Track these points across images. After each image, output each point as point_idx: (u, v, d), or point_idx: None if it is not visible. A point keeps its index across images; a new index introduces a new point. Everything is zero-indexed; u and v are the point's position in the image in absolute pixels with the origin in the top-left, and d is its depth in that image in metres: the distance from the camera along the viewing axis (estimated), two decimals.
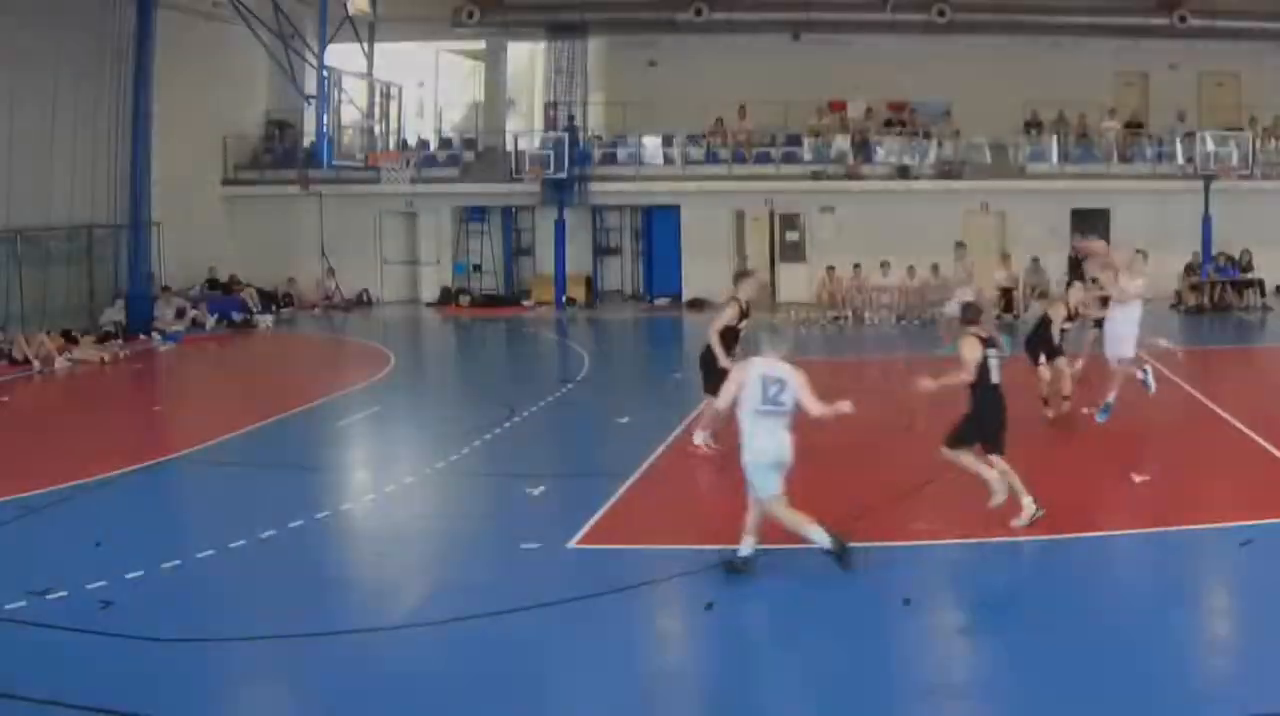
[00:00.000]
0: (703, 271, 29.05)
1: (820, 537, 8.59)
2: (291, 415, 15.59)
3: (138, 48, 24.39)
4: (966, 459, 9.77)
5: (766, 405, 8.48)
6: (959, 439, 9.75)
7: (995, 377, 9.59)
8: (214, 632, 7.90)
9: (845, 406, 8.61)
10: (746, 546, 8.75)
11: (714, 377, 11.39)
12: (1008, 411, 9.76)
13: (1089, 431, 13.80)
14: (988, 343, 9.63)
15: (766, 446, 8.56)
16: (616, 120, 30.92)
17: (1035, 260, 26.34)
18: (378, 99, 20.31)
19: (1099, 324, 14.08)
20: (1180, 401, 15.69)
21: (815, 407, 8.49)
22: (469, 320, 28.27)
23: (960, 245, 21.21)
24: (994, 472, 9.68)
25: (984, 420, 9.65)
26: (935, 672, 7.32)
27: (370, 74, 20.44)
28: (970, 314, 9.96)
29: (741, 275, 12.91)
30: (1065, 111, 29.25)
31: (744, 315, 12.15)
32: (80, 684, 6.97)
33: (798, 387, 8.46)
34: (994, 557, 9.45)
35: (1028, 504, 9.57)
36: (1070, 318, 14.02)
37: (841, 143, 29.14)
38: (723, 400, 8.83)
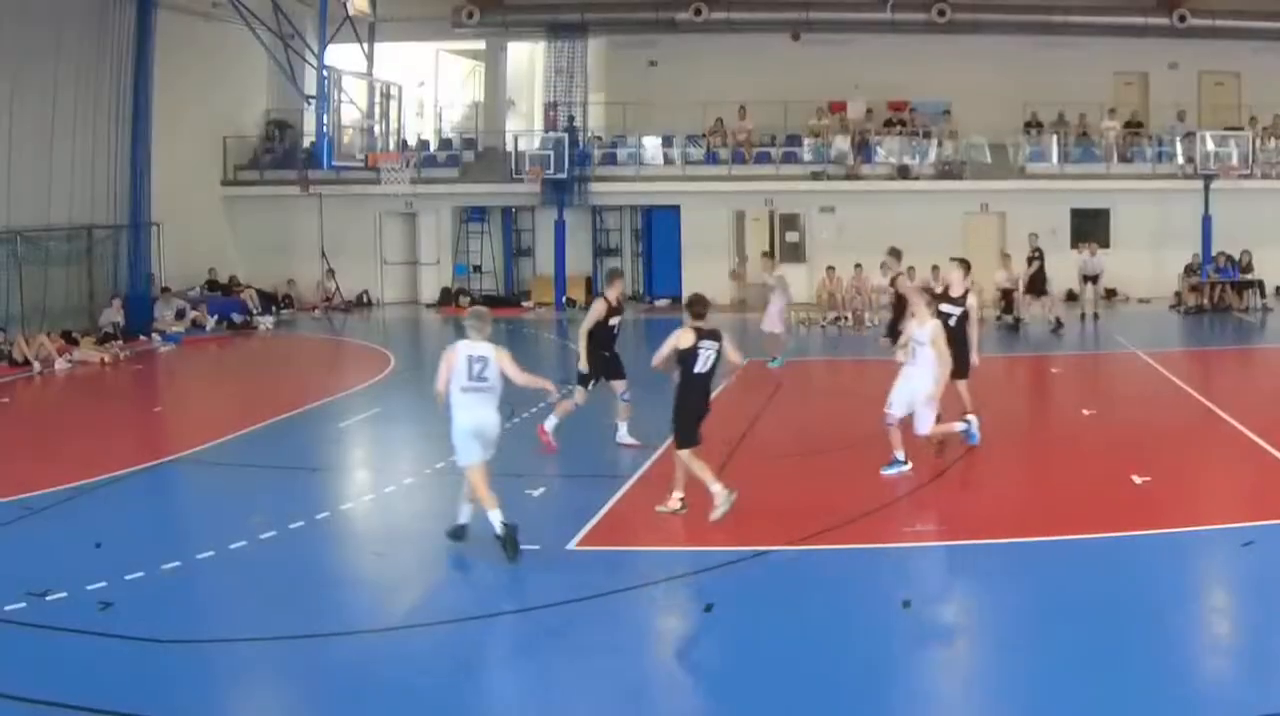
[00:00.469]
0: (703, 272, 29.03)
1: (495, 520, 9.22)
2: (291, 416, 15.59)
3: (138, 48, 24.39)
4: (696, 466, 10.20)
5: (471, 381, 9.33)
6: (682, 438, 10.26)
7: (700, 367, 10.19)
8: (214, 632, 7.90)
9: (547, 384, 9.98)
10: (464, 515, 9.67)
11: (597, 371, 12.87)
12: (708, 404, 10.45)
13: (1089, 432, 13.82)
14: (705, 334, 10.17)
15: (465, 419, 9.35)
16: (616, 120, 30.90)
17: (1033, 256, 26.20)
18: (378, 99, 20.28)
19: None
20: (1180, 402, 15.70)
21: (518, 377, 9.46)
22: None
23: (893, 253, 19.38)
24: (716, 487, 10.08)
25: (683, 408, 10.25)
26: (935, 674, 7.32)
27: (370, 74, 20.41)
28: (697, 308, 10.37)
29: (613, 275, 13.71)
30: (1065, 111, 29.25)
31: (613, 312, 13.00)
32: (80, 684, 6.97)
33: (500, 363, 9.37)
34: (994, 559, 9.46)
35: (718, 491, 10.05)
36: None
37: (841, 143, 29.11)
38: (439, 382, 9.41)
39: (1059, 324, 23.68)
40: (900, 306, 15.07)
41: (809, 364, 20.15)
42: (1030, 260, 24.83)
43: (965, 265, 13.05)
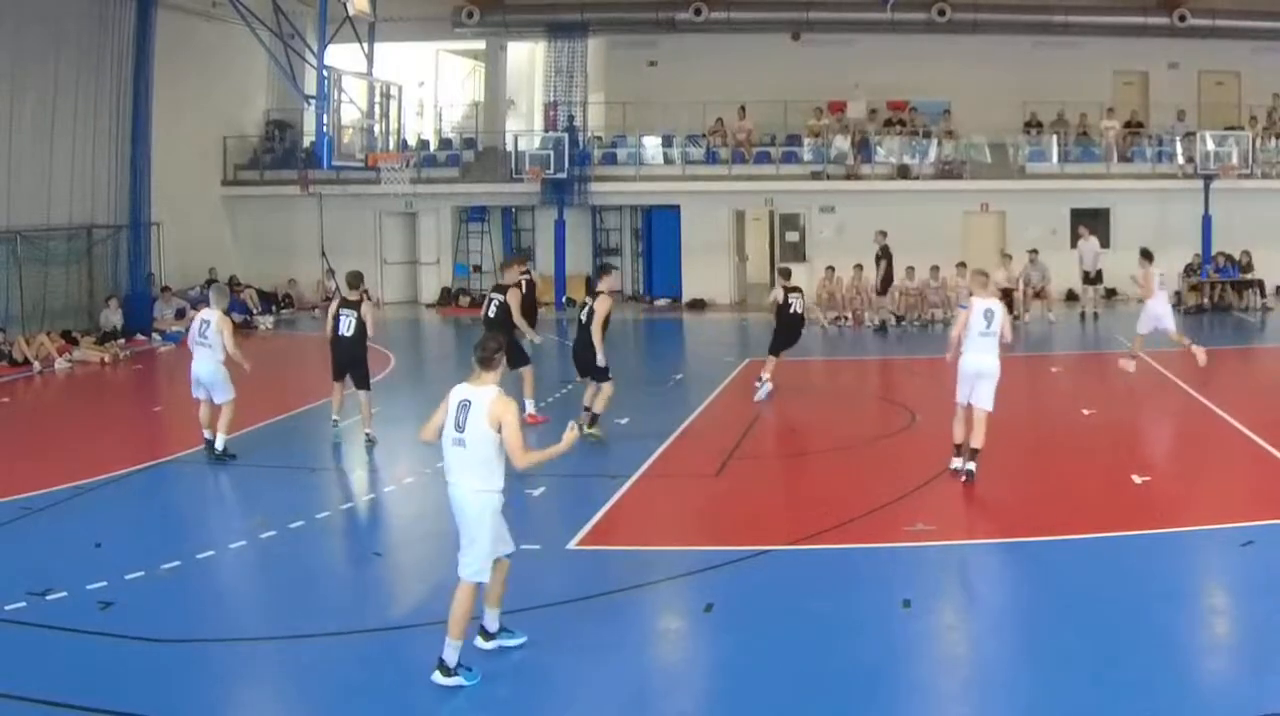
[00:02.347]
0: (703, 272, 29.06)
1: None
2: (292, 416, 15.61)
3: (138, 48, 24.37)
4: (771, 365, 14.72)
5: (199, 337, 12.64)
6: (773, 349, 15.29)
7: (793, 310, 15.42)
8: (214, 632, 7.90)
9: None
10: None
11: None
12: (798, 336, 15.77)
13: (1089, 432, 13.81)
14: (791, 290, 15.47)
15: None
16: (616, 120, 30.91)
17: (1033, 254, 26.21)
18: (378, 99, 20.22)
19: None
20: (1180, 401, 15.71)
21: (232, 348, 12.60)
22: (469, 321, 28.20)
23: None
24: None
25: (779, 336, 15.52)
26: (935, 674, 7.32)
27: (370, 74, 20.37)
28: (785, 271, 16.35)
29: (609, 268, 14.61)
30: (1065, 111, 29.25)
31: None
32: (80, 684, 6.98)
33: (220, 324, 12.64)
34: (994, 558, 9.47)
35: (765, 379, 14.42)
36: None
37: (841, 143, 29.12)
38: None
39: (895, 323, 24.08)
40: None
41: (809, 364, 20.13)
42: (878, 260, 24.93)
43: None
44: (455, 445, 7.04)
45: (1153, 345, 17.62)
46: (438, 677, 6.96)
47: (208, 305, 12.91)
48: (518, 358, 13.83)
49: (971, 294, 11.83)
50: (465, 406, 7.01)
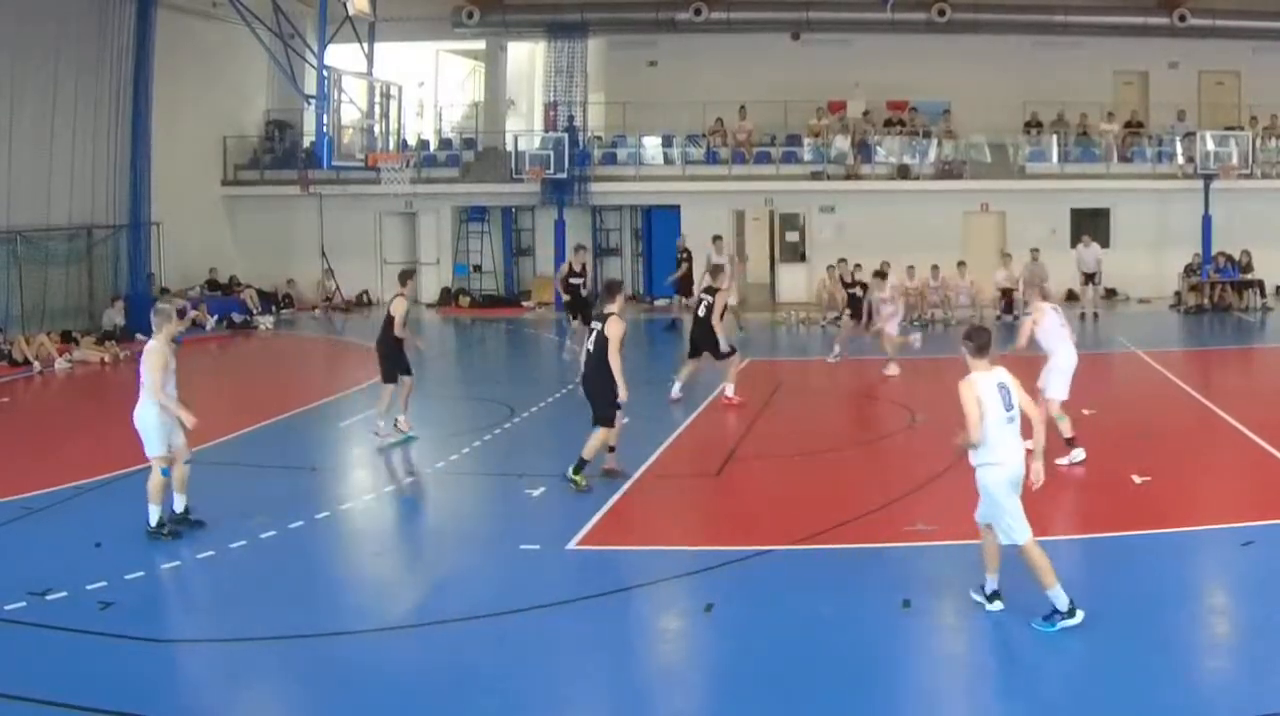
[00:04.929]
0: (703, 272, 29.02)
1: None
2: (292, 416, 15.61)
3: (138, 48, 24.39)
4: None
5: None
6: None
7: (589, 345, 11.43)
8: (214, 632, 7.91)
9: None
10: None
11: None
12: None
13: (1089, 432, 13.81)
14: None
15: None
16: (616, 120, 30.91)
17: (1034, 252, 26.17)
18: (378, 99, 20.23)
19: None
20: (1180, 401, 15.70)
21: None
22: (469, 321, 28.26)
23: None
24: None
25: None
26: (935, 674, 7.32)
27: (370, 74, 20.38)
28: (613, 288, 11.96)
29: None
30: (1065, 111, 29.24)
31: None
32: (80, 684, 6.97)
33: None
34: None
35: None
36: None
37: (841, 143, 29.12)
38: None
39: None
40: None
41: (809, 364, 20.14)
42: (679, 262, 24.99)
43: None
44: (1010, 422, 7.63)
45: (1154, 345, 17.50)
46: None
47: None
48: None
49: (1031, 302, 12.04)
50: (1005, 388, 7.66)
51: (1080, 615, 7.49)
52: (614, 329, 11.14)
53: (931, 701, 6.90)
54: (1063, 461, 11.74)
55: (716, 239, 24.61)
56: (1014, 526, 7.66)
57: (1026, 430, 7.90)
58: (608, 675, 7.32)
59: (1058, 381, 11.95)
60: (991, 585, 7.93)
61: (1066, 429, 11.87)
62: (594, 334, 11.39)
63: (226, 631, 7.92)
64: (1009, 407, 7.65)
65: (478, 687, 7.03)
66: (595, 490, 11.18)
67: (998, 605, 7.87)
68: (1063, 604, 7.51)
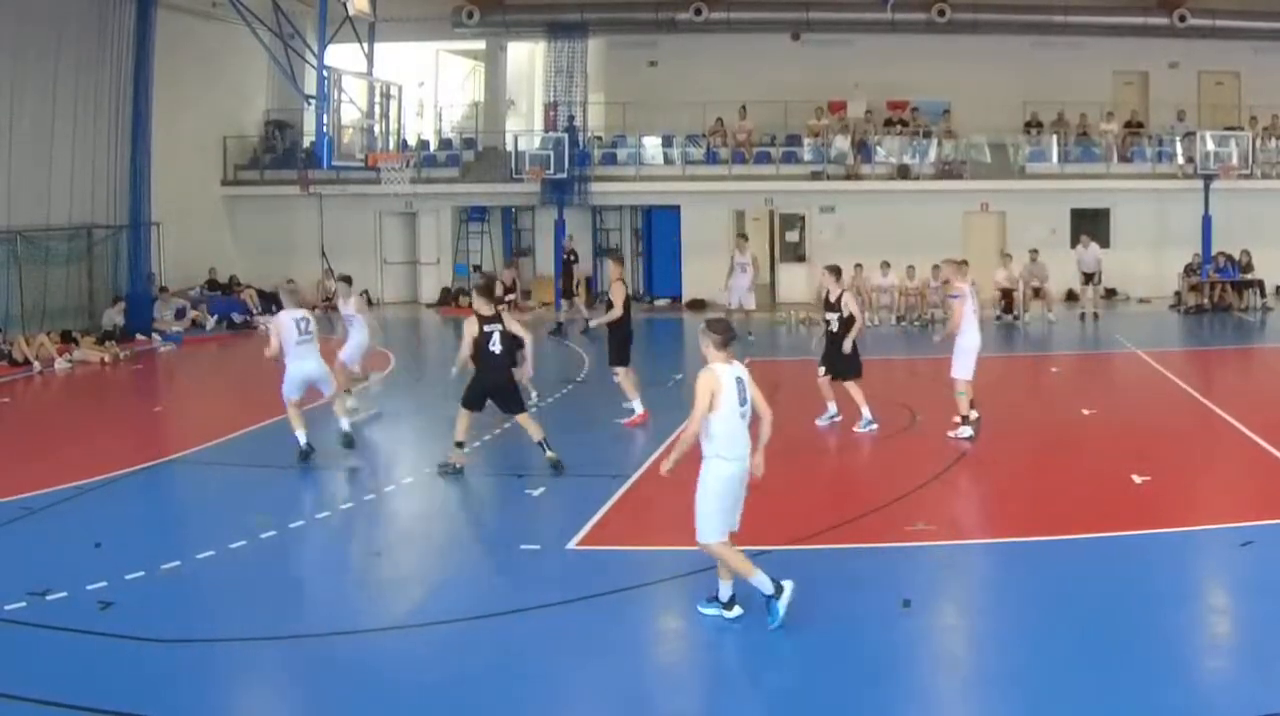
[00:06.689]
0: (703, 272, 29.04)
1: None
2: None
3: (138, 47, 24.38)
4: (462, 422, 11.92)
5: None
6: (466, 401, 11.95)
7: (495, 347, 11.72)
8: (214, 632, 7.90)
9: None
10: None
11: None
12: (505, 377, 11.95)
13: (1089, 432, 13.81)
14: (489, 320, 11.71)
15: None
16: (616, 120, 30.92)
17: (1033, 253, 26.19)
18: (378, 99, 20.22)
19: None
20: (1180, 401, 15.70)
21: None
22: None
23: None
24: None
25: (479, 380, 11.88)
26: (935, 674, 7.32)
27: (370, 74, 20.37)
28: (483, 285, 12.64)
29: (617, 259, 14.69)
30: (1065, 111, 29.26)
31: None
32: (80, 684, 6.97)
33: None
34: (994, 558, 9.46)
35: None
36: None
37: (841, 143, 29.12)
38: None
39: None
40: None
41: (809, 364, 20.12)
42: (568, 265, 25.41)
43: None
44: (742, 418, 7.71)
45: (1154, 345, 17.53)
46: None
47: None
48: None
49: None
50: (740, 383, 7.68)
51: (738, 610, 7.85)
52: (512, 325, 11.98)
53: (931, 701, 6.90)
54: (951, 433, 12.96)
55: (741, 237, 24.64)
56: (709, 524, 7.74)
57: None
58: (608, 675, 7.32)
59: (963, 361, 13.00)
60: (726, 591, 7.97)
61: (964, 406, 12.91)
62: (495, 335, 11.79)
63: (226, 631, 7.92)
64: (743, 402, 7.68)
65: (477, 687, 7.03)
66: (595, 490, 11.18)
67: (736, 611, 7.91)
68: (726, 595, 7.90)
